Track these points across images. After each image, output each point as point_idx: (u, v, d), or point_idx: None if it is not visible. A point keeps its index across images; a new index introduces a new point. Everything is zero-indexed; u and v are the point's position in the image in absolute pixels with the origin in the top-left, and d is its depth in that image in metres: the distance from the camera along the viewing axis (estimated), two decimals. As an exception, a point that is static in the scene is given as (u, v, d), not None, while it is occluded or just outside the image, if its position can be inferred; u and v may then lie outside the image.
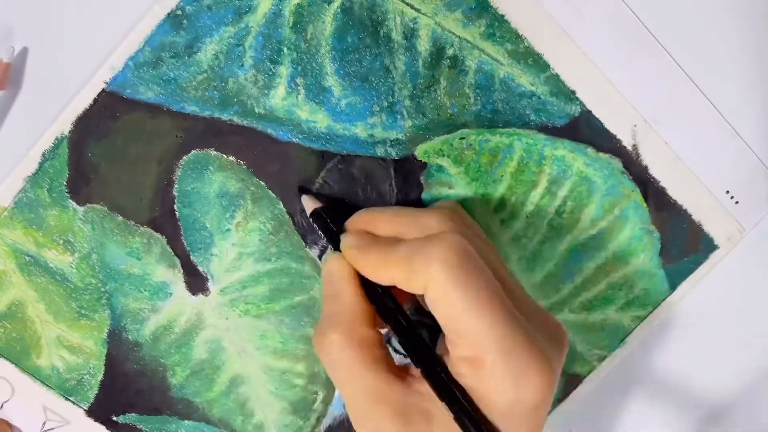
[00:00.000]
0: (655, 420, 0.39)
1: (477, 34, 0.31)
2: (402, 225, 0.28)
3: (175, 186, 0.32)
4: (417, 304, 0.31)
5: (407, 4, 0.31)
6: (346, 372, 0.26)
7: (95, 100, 0.30)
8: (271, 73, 0.31)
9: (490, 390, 0.24)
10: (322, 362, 0.27)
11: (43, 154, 0.30)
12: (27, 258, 0.32)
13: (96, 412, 0.34)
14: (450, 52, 0.31)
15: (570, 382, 0.37)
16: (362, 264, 0.27)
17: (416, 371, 0.26)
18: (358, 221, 0.29)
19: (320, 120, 0.32)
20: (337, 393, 0.35)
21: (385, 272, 0.26)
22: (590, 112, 0.33)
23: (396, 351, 0.35)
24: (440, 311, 0.25)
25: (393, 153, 0.32)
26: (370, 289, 0.28)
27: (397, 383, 0.26)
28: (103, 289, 0.32)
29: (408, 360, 0.27)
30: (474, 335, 0.24)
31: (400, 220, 0.28)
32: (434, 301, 0.25)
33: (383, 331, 0.29)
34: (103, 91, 0.30)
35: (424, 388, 0.26)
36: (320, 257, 0.33)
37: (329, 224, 0.30)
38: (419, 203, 0.33)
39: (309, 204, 0.31)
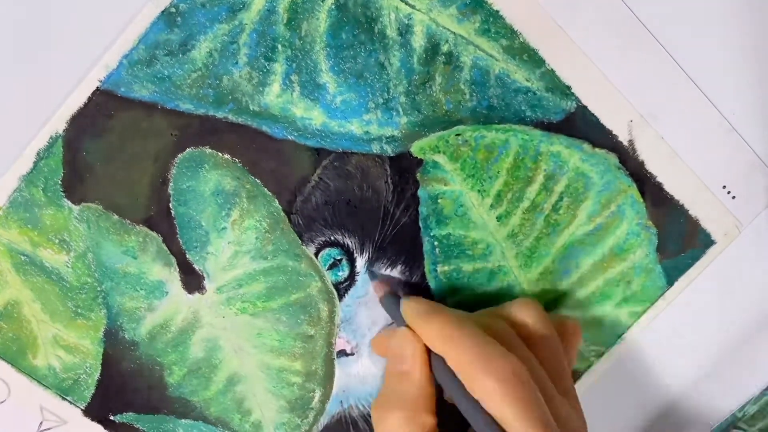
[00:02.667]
0: (653, 415, 0.39)
1: (472, 30, 0.31)
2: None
3: (171, 184, 0.31)
4: None
5: (402, 0, 0.31)
6: None
7: (89, 99, 0.30)
8: (265, 70, 0.31)
9: None
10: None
11: (38, 153, 0.30)
12: (22, 257, 0.32)
13: (93, 411, 0.34)
14: (445, 48, 0.31)
15: (568, 378, 0.37)
16: (426, 328, 0.29)
17: None
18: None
19: (315, 117, 0.31)
20: (334, 391, 0.35)
21: (445, 347, 0.28)
22: (586, 107, 0.33)
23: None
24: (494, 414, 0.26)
25: (389, 150, 0.32)
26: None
27: None
28: (99, 289, 0.32)
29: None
30: None
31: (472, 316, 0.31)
32: (488, 408, 0.26)
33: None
34: (98, 89, 0.30)
35: None
36: (317, 255, 0.33)
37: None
38: (415, 200, 0.33)
39: (379, 287, 0.33)
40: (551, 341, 0.31)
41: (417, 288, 0.34)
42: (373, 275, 0.34)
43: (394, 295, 0.32)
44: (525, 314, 0.31)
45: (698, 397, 0.39)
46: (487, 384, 0.26)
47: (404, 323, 0.30)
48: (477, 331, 0.28)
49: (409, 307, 0.30)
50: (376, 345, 0.34)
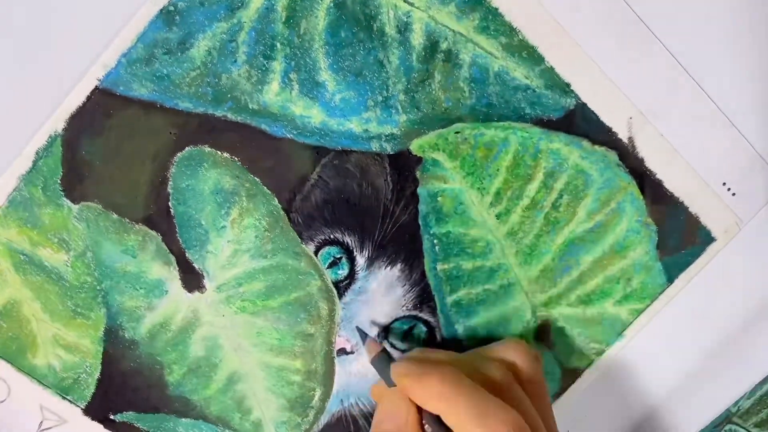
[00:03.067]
0: (654, 413, 0.39)
1: (471, 28, 0.31)
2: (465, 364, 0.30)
3: (170, 183, 0.31)
4: None
5: (400, -2, 0.31)
6: None
7: (88, 98, 0.30)
8: (264, 68, 0.31)
9: None
10: None
11: (37, 153, 0.30)
12: (22, 257, 0.32)
13: (93, 410, 0.34)
14: (444, 45, 0.31)
15: (568, 376, 0.37)
16: (420, 390, 0.28)
17: None
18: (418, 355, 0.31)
19: (314, 115, 0.31)
20: (334, 390, 0.35)
21: (441, 407, 0.27)
22: (585, 104, 0.32)
23: (393, 347, 0.35)
24: None
25: (388, 148, 0.32)
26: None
27: None
28: (98, 288, 0.32)
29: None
30: None
31: (462, 360, 0.30)
32: None
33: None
34: (96, 88, 0.30)
35: None
36: (316, 253, 0.33)
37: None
38: (414, 198, 0.33)
39: (372, 347, 0.32)
40: (541, 382, 0.31)
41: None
42: (363, 335, 0.33)
43: (385, 354, 0.32)
44: (515, 356, 0.31)
45: (693, 393, 0.39)
46: None
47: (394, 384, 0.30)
48: (474, 386, 0.28)
49: (399, 370, 0.29)
50: (376, 393, 0.33)
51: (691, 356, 0.38)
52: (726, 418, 0.39)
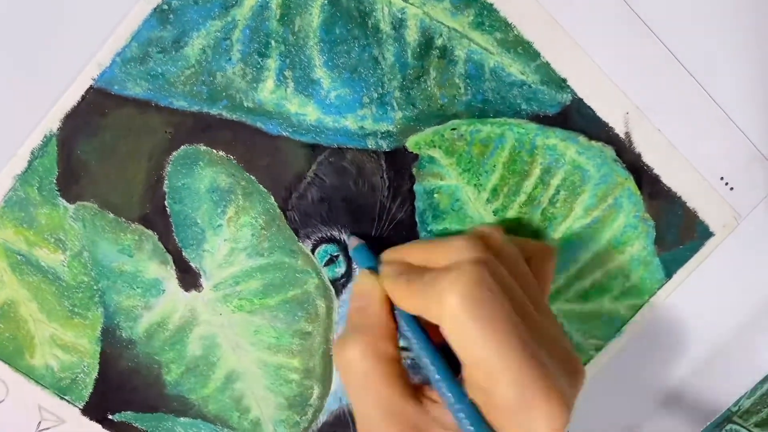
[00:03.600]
0: (652, 409, 0.38)
1: (466, 24, 0.31)
2: (430, 252, 0.28)
3: (166, 182, 0.31)
4: None
5: (395, -6, 0.30)
6: (362, 382, 0.26)
7: (83, 97, 0.30)
8: (259, 66, 0.31)
9: (503, 421, 0.24)
10: (338, 371, 0.27)
11: (32, 152, 0.30)
12: (18, 257, 0.32)
13: (91, 410, 0.34)
14: (439, 42, 0.31)
15: (567, 372, 0.37)
16: (392, 292, 0.28)
17: (433, 394, 0.26)
18: (393, 253, 0.30)
19: (310, 113, 0.31)
20: (333, 388, 0.35)
21: (408, 302, 0.27)
22: (581, 100, 0.32)
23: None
24: (455, 343, 0.25)
25: (384, 145, 0.32)
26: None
27: (412, 402, 0.26)
28: (95, 287, 0.32)
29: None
30: (487, 368, 0.24)
31: (428, 247, 0.28)
32: (449, 333, 0.25)
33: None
34: (91, 87, 0.30)
35: (438, 412, 0.26)
36: (313, 251, 0.33)
37: (370, 257, 0.31)
38: (411, 195, 0.33)
39: (353, 241, 0.32)
40: (513, 256, 0.29)
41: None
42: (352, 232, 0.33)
43: (366, 247, 0.32)
44: (485, 229, 0.30)
45: (693, 392, 0.38)
46: (450, 303, 0.24)
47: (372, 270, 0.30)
48: (420, 273, 0.27)
49: (383, 271, 0.29)
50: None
51: (690, 353, 0.38)
52: (727, 417, 0.39)
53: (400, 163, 0.33)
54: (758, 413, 0.38)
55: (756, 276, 0.37)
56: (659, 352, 0.37)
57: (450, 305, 0.24)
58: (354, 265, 0.33)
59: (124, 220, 0.32)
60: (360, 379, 0.26)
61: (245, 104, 0.31)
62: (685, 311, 0.37)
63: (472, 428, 0.25)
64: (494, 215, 0.34)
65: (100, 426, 0.34)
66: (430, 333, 0.27)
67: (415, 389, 0.27)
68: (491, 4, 0.31)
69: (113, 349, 0.33)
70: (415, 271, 0.27)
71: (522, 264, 0.29)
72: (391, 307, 0.28)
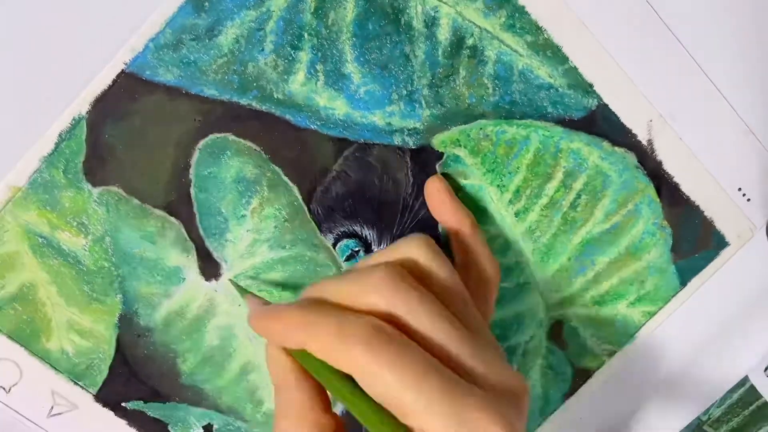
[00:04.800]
0: (664, 415, 0.39)
1: (497, 25, 0.31)
2: (344, 288, 0.25)
3: (192, 170, 0.31)
4: None
5: (429, -8, 0.31)
6: None
7: (114, 81, 0.30)
8: (291, 58, 0.31)
9: None
10: None
11: (60, 135, 0.30)
12: (40, 239, 0.31)
13: (104, 397, 0.34)
14: (470, 42, 0.31)
15: (580, 376, 0.37)
16: (271, 330, 0.25)
17: None
18: (307, 292, 0.27)
19: (338, 107, 0.31)
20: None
21: (299, 339, 0.24)
22: (607, 105, 0.33)
23: None
24: (374, 390, 0.23)
25: (410, 142, 0.32)
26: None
27: None
28: (115, 273, 0.32)
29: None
30: (416, 413, 0.22)
31: (342, 283, 0.26)
32: (366, 383, 0.23)
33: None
34: (123, 72, 0.30)
35: None
36: (334, 246, 0.33)
37: None
38: (435, 193, 0.33)
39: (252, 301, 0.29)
40: (446, 280, 0.27)
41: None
42: (241, 290, 0.31)
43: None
44: (413, 251, 0.27)
45: (663, 400, 0.39)
46: (354, 354, 0.23)
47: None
48: (328, 306, 0.25)
49: (251, 313, 0.27)
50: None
51: (703, 359, 0.38)
52: (697, 426, 0.39)
53: (425, 161, 0.33)
54: (728, 422, 0.38)
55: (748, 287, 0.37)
56: (672, 358, 0.38)
57: (360, 361, 0.23)
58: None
59: (148, 206, 0.31)
60: None
61: (275, 96, 0.31)
62: (698, 319, 0.37)
63: None
64: (515, 217, 0.34)
65: (112, 413, 0.34)
66: None
67: None
68: (523, 7, 0.31)
69: (130, 336, 0.33)
70: (306, 303, 0.25)
71: (456, 288, 0.27)
72: (304, 370, 0.26)
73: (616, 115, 0.33)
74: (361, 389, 0.24)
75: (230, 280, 0.32)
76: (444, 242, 0.33)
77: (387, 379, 0.22)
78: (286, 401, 0.26)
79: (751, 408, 0.37)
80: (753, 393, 0.37)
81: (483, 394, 0.23)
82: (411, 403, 0.22)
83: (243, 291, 0.30)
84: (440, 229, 0.34)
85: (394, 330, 0.24)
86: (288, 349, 0.26)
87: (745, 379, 0.38)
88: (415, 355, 0.23)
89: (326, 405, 0.26)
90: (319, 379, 0.25)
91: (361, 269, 0.26)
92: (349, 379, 0.24)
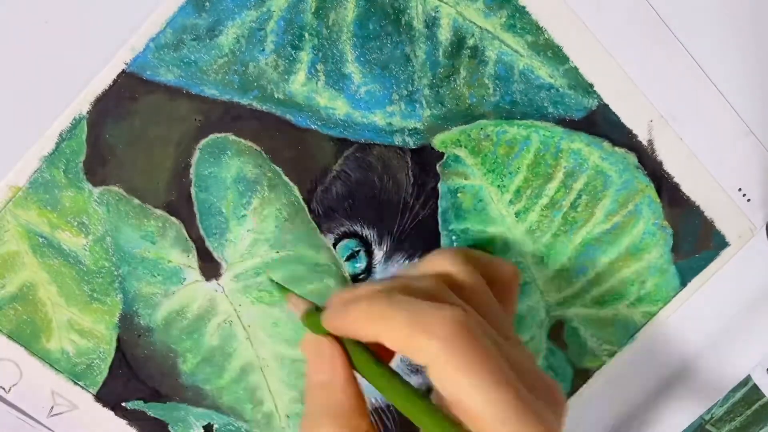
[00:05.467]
0: (666, 414, 0.39)
1: (498, 25, 0.31)
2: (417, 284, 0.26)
3: (192, 170, 0.31)
4: None
5: (429, -8, 0.31)
6: None
7: (114, 81, 0.30)
8: (291, 58, 0.31)
9: None
10: None
11: (60, 134, 0.30)
12: (40, 239, 0.31)
13: (105, 397, 0.34)
14: (471, 42, 0.31)
15: (580, 377, 0.37)
16: (352, 317, 0.25)
17: None
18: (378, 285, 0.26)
19: (339, 107, 0.31)
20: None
21: (376, 329, 0.24)
22: (607, 106, 0.33)
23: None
24: (444, 388, 0.23)
25: (410, 142, 0.32)
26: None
27: None
28: (116, 273, 0.32)
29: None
30: (479, 415, 0.22)
31: (390, 284, 0.26)
32: (437, 379, 0.23)
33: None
34: (123, 72, 0.30)
35: None
36: (335, 246, 0.33)
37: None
38: (435, 193, 0.33)
39: (297, 303, 0.29)
40: (480, 288, 0.28)
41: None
42: (281, 289, 0.30)
43: (315, 308, 0.28)
44: (445, 264, 0.28)
45: (665, 400, 0.39)
46: (430, 349, 0.22)
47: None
48: (406, 298, 0.24)
49: (326, 312, 0.26)
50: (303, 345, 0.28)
51: (703, 359, 0.38)
52: (699, 426, 0.39)
53: (426, 161, 0.33)
54: (731, 421, 0.38)
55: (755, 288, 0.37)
56: (672, 358, 0.38)
57: (438, 355, 0.22)
58: (358, 263, 0.33)
59: (148, 206, 0.31)
60: None
61: (276, 95, 0.31)
62: (698, 319, 0.37)
63: None
64: (516, 217, 0.34)
65: (112, 413, 0.34)
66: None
67: None
68: (524, 7, 0.31)
69: (130, 336, 0.33)
70: (380, 293, 0.25)
71: (489, 295, 0.28)
72: (354, 371, 0.26)
73: (616, 116, 0.33)
74: (414, 390, 0.23)
75: (270, 278, 0.32)
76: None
77: (461, 381, 0.22)
78: (330, 401, 0.25)
79: (753, 407, 0.37)
80: (755, 392, 0.37)
81: (533, 401, 0.23)
82: (481, 410, 0.22)
83: (284, 290, 0.29)
84: (443, 237, 0.34)
85: (477, 324, 0.23)
86: (347, 344, 0.26)
87: (748, 378, 0.37)
88: (494, 360, 0.23)
89: (366, 410, 0.26)
90: (371, 379, 0.25)
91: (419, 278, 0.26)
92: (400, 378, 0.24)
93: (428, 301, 0.24)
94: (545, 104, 0.32)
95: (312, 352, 0.26)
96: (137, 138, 0.31)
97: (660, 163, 0.34)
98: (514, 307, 0.31)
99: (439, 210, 0.33)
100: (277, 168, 0.32)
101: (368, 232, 0.33)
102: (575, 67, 0.32)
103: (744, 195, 0.35)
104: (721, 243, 0.36)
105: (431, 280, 0.26)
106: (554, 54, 0.32)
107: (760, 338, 0.38)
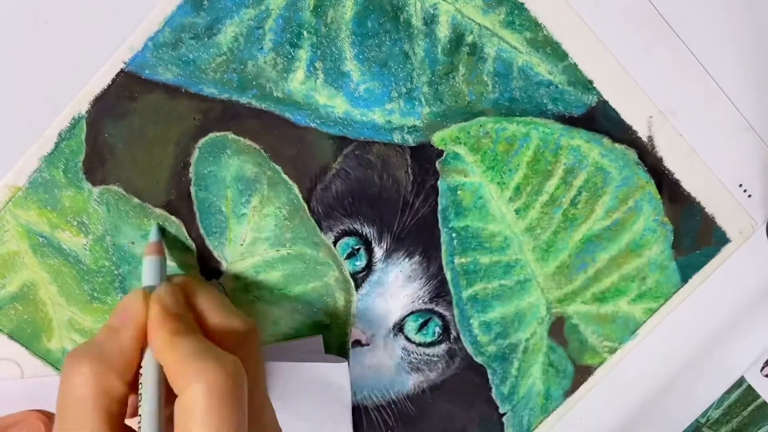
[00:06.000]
0: (664, 412, 0.39)
1: (497, 22, 0.31)
2: (217, 310, 0.28)
3: (192, 169, 0.31)
4: None
5: (428, -10, 0.31)
6: (74, 407, 0.24)
7: (113, 81, 0.30)
8: (290, 56, 0.31)
9: None
10: (60, 380, 0.25)
11: (60, 134, 0.30)
12: (40, 239, 0.31)
13: (106, 396, 0.34)
14: (469, 39, 0.31)
15: (581, 373, 0.37)
16: (154, 330, 0.26)
17: None
18: (189, 283, 0.29)
19: (338, 105, 0.31)
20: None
21: (163, 355, 0.25)
22: (607, 102, 0.33)
23: (408, 340, 0.35)
24: (181, 428, 0.24)
25: (410, 140, 0.32)
26: None
27: None
28: (116, 272, 0.32)
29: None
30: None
31: (224, 312, 0.28)
32: (181, 416, 0.24)
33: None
34: (122, 71, 0.30)
35: None
36: (335, 244, 0.33)
37: (158, 273, 0.29)
38: (434, 191, 0.33)
39: (151, 247, 0.30)
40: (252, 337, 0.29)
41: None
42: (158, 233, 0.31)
43: (162, 259, 0.30)
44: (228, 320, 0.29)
45: (661, 404, 0.39)
46: (191, 387, 0.23)
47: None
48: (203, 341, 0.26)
49: (162, 291, 0.27)
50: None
51: (704, 355, 0.38)
52: (696, 428, 0.39)
53: (425, 159, 0.33)
54: (728, 423, 0.38)
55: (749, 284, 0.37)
56: (673, 354, 0.38)
57: (197, 395, 0.23)
58: (358, 261, 0.33)
59: (148, 205, 0.31)
60: (73, 403, 0.25)
61: (275, 94, 0.31)
62: (699, 316, 0.37)
63: None
64: (516, 214, 0.34)
65: (114, 412, 0.34)
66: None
67: None
68: (522, 4, 0.31)
69: (131, 335, 0.33)
70: (187, 320, 0.27)
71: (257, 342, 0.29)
72: (144, 342, 0.27)
73: (616, 112, 0.33)
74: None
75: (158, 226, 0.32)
76: None
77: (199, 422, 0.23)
78: (107, 349, 0.26)
79: (749, 408, 0.37)
80: (750, 393, 0.37)
81: None
82: None
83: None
84: (443, 234, 0.34)
85: (241, 388, 0.25)
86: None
87: (742, 380, 0.37)
88: (239, 422, 0.24)
89: (133, 377, 0.26)
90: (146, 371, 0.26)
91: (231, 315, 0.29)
92: None
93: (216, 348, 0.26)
94: (544, 101, 0.32)
95: (129, 299, 0.27)
96: (136, 137, 0.31)
97: (660, 159, 0.34)
98: (261, 366, 0.30)
99: (439, 207, 0.33)
100: (277, 166, 0.32)
101: (368, 230, 0.33)
102: (574, 63, 0.32)
103: (745, 191, 0.35)
104: (722, 239, 0.36)
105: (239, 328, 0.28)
106: (553, 50, 0.32)
107: (756, 338, 0.38)
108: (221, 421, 0.23)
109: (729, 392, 0.39)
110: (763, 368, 0.37)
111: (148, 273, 0.29)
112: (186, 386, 0.24)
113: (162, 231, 0.31)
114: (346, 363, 0.33)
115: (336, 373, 0.33)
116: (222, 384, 0.23)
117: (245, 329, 0.28)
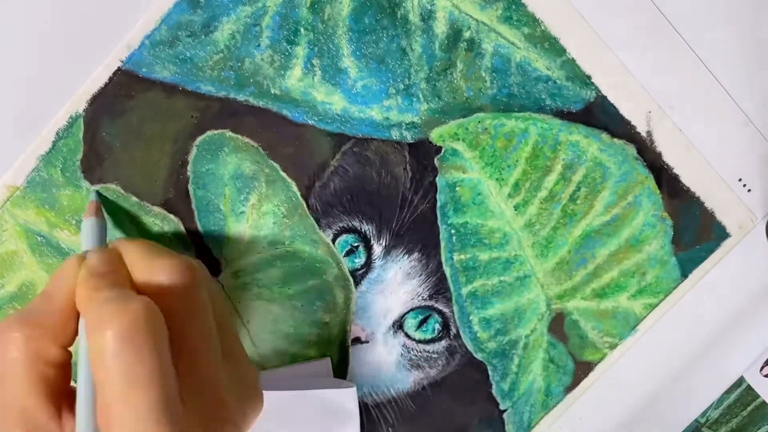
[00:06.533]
0: (665, 408, 0.39)
1: (494, 17, 0.31)
2: (144, 260, 0.26)
3: (190, 167, 0.31)
4: None
5: (425, -14, 0.31)
6: (8, 372, 0.24)
7: (110, 79, 0.30)
8: (287, 53, 0.31)
9: None
10: None
11: (57, 133, 0.30)
12: (39, 238, 0.31)
13: (106, 395, 0.34)
14: (467, 34, 0.31)
15: (581, 369, 0.37)
16: (78, 288, 0.26)
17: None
18: (121, 244, 0.28)
19: (336, 102, 0.31)
20: (348, 379, 0.35)
21: (82, 306, 0.25)
22: (605, 97, 0.33)
23: (408, 337, 0.35)
24: (98, 378, 0.23)
25: (408, 136, 0.32)
26: None
27: (48, 411, 0.24)
28: (115, 271, 0.32)
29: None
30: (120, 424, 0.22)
31: (146, 253, 0.27)
32: (95, 365, 0.23)
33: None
34: (119, 69, 0.30)
35: (72, 428, 0.24)
36: (334, 241, 0.33)
37: (100, 237, 0.28)
38: (433, 187, 0.33)
39: (90, 208, 0.29)
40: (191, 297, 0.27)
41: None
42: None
43: (99, 221, 0.29)
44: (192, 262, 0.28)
45: (660, 403, 0.39)
46: (102, 333, 0.22)
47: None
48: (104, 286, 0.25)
49: (90, 257, 0.27)
50: None
51: (704, 351, 0.38)
52: (695, 428, 0.39)
53: (424, 155, 0.33)
54: (727, 423, 0.38)
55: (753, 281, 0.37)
56: (673, 350, 0.37)
57: (103, 339, 0.22)
58: (357, 258, 0.33)
59: (146, 203, 0.31)
60: (5, 367, 0.24)
61: (272, 91, 0.31)
62: (699, 311, 0.37)
63: None
64: (515, 210, 0.34)
65: (114, 411, 0.34)
66: None
67: (62, 400, 0.25)
68: (520, -1, 0.31)
69: (130, 334, 0.33)
70: (112, 276, 0.26)
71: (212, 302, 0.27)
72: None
73: (614, 107, 0.33)
74: None
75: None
76: None
77: (112, 375, 0.22)
78: (41, 312, 0.25)
79: (749, 408, 0.37)
80: (750, 393, 0.37)
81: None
82: (119, 414, 0.22)
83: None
84: (442, 231, 0.34)
85: (156, 327, 0.23)
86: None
87: (741, 380, 0.37)
88: (153, 363, 0.23)
89: (69, 340, 0.25)
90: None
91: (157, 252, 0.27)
92: None
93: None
94: (543, 96, 0.32)
95: (65, 265, 0.26)
96: (134, 135, 0.31)
97: (659, 154, 0.34)
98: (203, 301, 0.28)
99: (438, 204, 0.33)
100: (275, 164, 0.32)
101: (367, 227, 0.33)
102: (572, 58, 0.32)
103: (744, 185, 0.35)
104: (722, 234, 0.35)
105: (176, 261, 0.27)
106: (551, 46, 0.32)
107: (755, 338, 0.38)
108: (129, 364, 0.22)
109: (728, 392, 0.38)
110: (762, 368, 0.37)
111: (85, 236, 0.28)
112: (95, 335, 0.23)
113: (100, 195, 0.31)
114: (354, 388, 0.33)
115: (344, 399, 0.33)
116: (127, 326, 0.22)
117: (172, 270, 0.26)
